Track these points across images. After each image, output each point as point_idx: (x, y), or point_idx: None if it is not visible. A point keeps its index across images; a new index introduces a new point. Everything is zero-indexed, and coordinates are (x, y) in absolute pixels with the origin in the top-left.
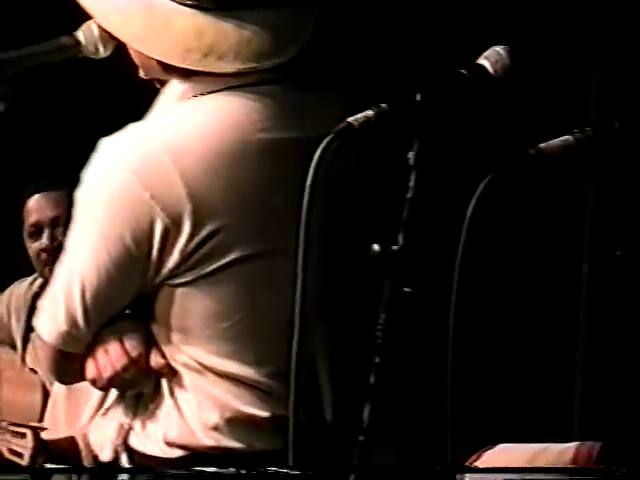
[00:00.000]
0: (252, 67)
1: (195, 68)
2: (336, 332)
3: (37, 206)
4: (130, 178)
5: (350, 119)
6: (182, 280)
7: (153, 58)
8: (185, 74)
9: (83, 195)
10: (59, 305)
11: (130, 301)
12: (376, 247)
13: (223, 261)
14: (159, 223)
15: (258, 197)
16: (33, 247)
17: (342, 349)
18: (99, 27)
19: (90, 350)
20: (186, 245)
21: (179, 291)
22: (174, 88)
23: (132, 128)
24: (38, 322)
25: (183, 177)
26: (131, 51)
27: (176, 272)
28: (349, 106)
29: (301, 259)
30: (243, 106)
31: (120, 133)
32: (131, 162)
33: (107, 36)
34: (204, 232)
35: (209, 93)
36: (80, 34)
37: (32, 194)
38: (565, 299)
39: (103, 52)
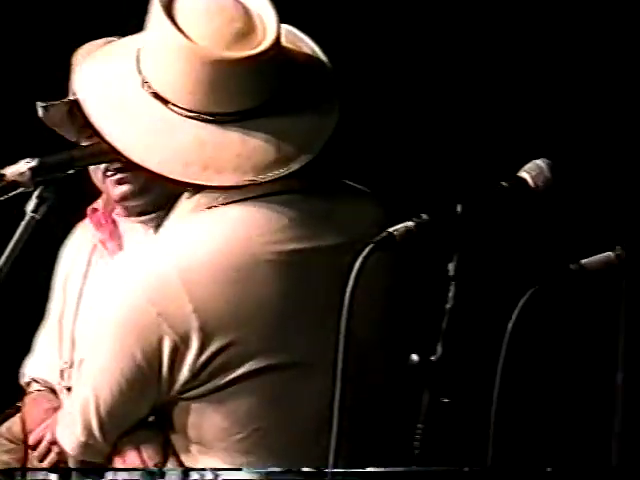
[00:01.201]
0: (251, 180)
1: (195, 182)
2: (371, 443)
3: None
4: (140, 297)
5: (391, 229)
6: (195, 394)
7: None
8: (193, 188)
9: (98, 312)
10: (76, 419)
11: (145, 414)
12: (415, 357)
13: (234, 375)
14: (167, 340)
15: (269, 311)
16: None
17: (378, 460)
18: None
19: (109, 459)
20: (195, 361)
21: (193, 404)
22: (185, 201)
23: (148, 244)
24: (58, 433)
25: (190, 294)
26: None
27: (188, 387)
28: (372, 214)
29: (340, 370)
30: (254, 219)
31: (137, 249)
32: (143, 281)
33: None
34: (213, 347)
35: (223, 205)
36: None
37: None
38: (600, 407)
39: None
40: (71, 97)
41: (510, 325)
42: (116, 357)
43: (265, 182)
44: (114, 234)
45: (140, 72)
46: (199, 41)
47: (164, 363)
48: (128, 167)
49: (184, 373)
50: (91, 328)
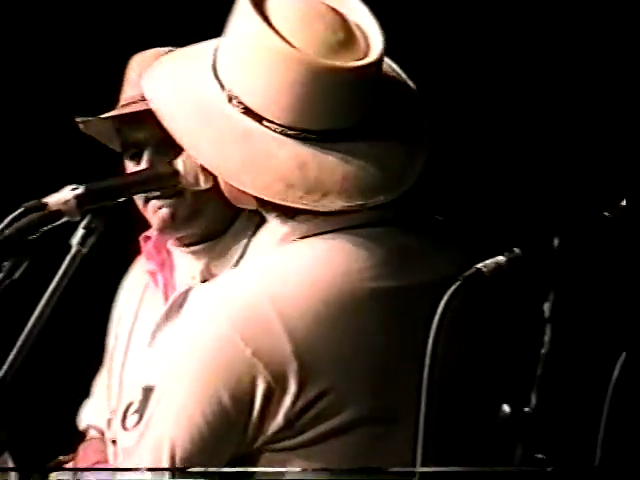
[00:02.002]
0: (358, 205)
1: (297, 206)
2: None
3: None
4: (230, 333)
5: (479, 265)
6: (283, 446)
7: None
8: (286, 212)
9: (177, 348)
10: (148, 458)
11: (222, 465)
12: (506, 408)
13: (327, 427)
14: (262, 382)
15: (367, 354)
16: None
17: None
18: None
19: None
20: (291, 408)
21: (277, 457)
22: (274, 229)
23: (234, 275)
24: None
25: (288, 332)
26: (222, 183)
27: (278, 437)
28: (466, 250)
29: (422, 418)
30: (351, 252)
31: (221, 281)
32: (233, 315)
33: None
34: (311, 394)
35: (314, 235)
36: (179, 162)
37: None
38: None
39: (204, 184)
40: (116, 112)
41: (615, 374)
42: (199, 399)
43: (364, 210)
44: (166, 265)
45: (223, 86)
46: (299, 47)
47: (255, 408)
48: (165, 194)
49: (277, 421)
50: (166, 365)
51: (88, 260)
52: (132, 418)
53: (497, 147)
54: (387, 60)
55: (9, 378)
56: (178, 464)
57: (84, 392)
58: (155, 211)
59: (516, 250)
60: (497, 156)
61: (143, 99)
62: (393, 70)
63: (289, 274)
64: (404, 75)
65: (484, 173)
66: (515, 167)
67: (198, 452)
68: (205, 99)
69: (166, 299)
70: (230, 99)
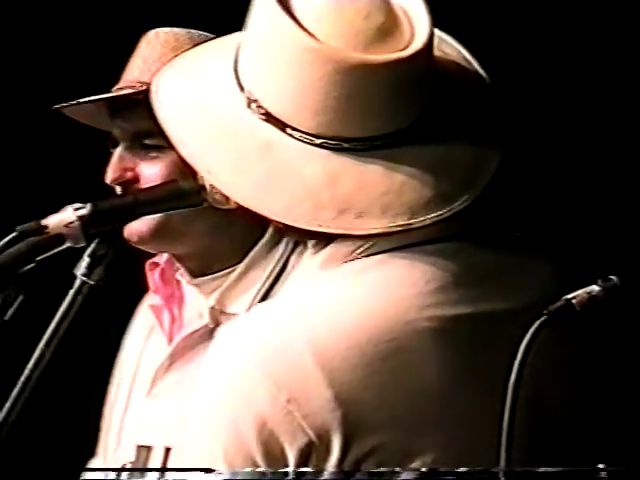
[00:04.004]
0: (404, 225)
1: (327, 230)
2: None
3: None
4: (263, 379)
5: (569, 296)
6: None
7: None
8: (321, 236)
9: (203, 397)
10: None
11: None
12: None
13: None
14: (300, 436)
15: (426, 398)
16: None
17: None
18: None
19: None
20: (338, 468)
21: None
22: (313, 253)
23: (265, 311)
24: None
25: (328, 376)
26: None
27: None
28: (553, 273)
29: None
30: (409, 274)
31: (250, 318)
32: (265, 359)
33: None
34: (357, 451)
35: (365, 257)
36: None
37: None
38: None
39: (234, 202)
40: (96, 96)
41: None
42: (228, 460)
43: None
44: (175, 299)
45: (242, 88)
46: (328, 40)
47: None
48: None
49: None
50: (194, 419)
51: (95, 294)
52: None
53: (589, 151)
54: (446, 37)
55: (3, 435)
56: None
57: (89, 450)
58: None
59: (613, 278)
60: (587, 161)
61: (134, 86)
62: (456, 51)
63: (329, 308)
64: (470, 57)
65: (572, 181)
66: (610, 173)
67: None
68: (220, 105)
69: (170, 341)
70: (249, 104)
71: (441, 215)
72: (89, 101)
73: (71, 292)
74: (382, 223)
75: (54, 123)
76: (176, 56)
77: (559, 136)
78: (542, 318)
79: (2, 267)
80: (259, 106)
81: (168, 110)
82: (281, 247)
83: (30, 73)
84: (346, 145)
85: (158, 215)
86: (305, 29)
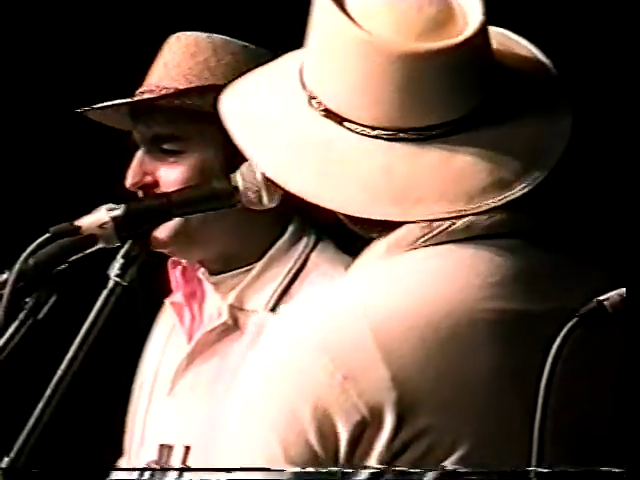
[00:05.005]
0: (460, 211)
1: (386, 218)
2: None
3: None
4: (318, 353)
5: (600, 298)
6: None
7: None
8: (383, 226)
9: (253, 376)
10: None
11: None
12: None
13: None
14: (353, 414)
15: (477, 387)
16: None
17: None
18: None
19: None
20: (388, 447)
21: None
22: (376, 244)
23: (325, 293)
24: None
25: (386, 356)
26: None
27: None
28: (596, 279)
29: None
30: (473, 264)
31: (311, 299)
32: (320, 332)
33: None
34: (410, 431)
35: (426, 245)
36: (238, 177)
37: None
38: None
39: (268, 202)
40: (115, 101)
41: None
42: (279, 436)
43: (479, 214)
44: (196, 297)
45: (305, 86)
46: (380, 33)
47: (341, 449)
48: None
49: (370, 463)
50: (245, 394)
51: (128, 295)
52: None
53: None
54: (509, 34)
55: (36, 435)
56: None
57: (117, 450)
58: None
59: None
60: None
61: (153, 90)
62: (518, 45)
63: (392, 289)
64: (535, 49)
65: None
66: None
67: None
68: (283, 105)
69: (190, 339)
70: (310, 101)
71: (500, 201)
72: (109, 106)
73: (104, 293)
74: (440, 209)
75: (80, 125)
76: (198, 63)
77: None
78: (574, 320)
79: (36, 268)
80: (319, 102)
81: (230, 108)
82: (301, 245)
83: (54, 75)
84: (403, 135)
85: (176, 220)
86: (358, 24)
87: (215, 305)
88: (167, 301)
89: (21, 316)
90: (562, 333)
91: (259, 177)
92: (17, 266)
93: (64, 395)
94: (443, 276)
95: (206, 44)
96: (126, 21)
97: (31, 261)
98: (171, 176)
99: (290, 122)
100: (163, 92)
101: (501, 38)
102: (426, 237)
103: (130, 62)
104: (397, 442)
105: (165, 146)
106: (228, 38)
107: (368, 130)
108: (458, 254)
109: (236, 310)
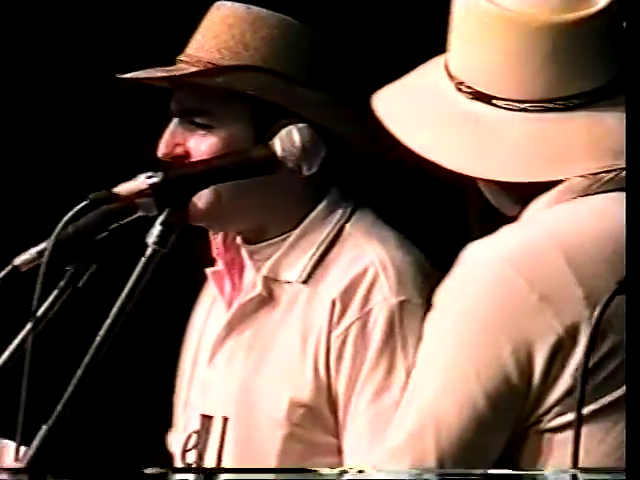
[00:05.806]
0: (610, 166)
1: (538, 179)
2: None
3: None
4: (513, 276)
5: None
6: (559, 422)
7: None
8: (537, 188)
9: (441, 306)
10: (402, 456)
11: (498, 453)
12: None
13: (613, 396)
14: (551, 335)
15: None
16: None
17: None
18: (302, 132)
19: None
20: (581, 366)
21: (545, 437)
22: (535, 203)
23: (513, 228)
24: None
25: (578, 276)
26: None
27: (557, 410)
28: None
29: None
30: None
31: (500, 233)
32: (515, 258)
33: (317, 146)
34: (604, 348)
35: (585, 196)
36: (277, 142)
37: None
38: None
39: (306, 170)
40: (152, 72)
41: None
42: (473, 366)
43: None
44: (235, 265)
45: (451, 76)
46: (518, 8)
47: (536, 370)
48: None
49: (562, 384)
50: (432, 327)
51: (166, 263)
52: (191, 454)
53: None
54: None
55: (75, 400)
56: (445, 448)
57: (167, 422)
58: None
59: None
60: None
61: (189, 62)
62: None
63: (576, 221)
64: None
65: None
66: None
67: (472, 432)
68: (437, 98)
69: (229, 307)
70: (459, 87)
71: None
72: (145, 78)
73: (143, 260)
74: (590, 166)
75: (122, 92)
76: (234, 36)
77: None
78: (613, 288)
79: (76, 235)
80: (467, 86)
81: (384, 105)
82: (337, 216)
83: (95, 41)
84: (549, 105)
85: (208, 192)
86: (497, 4)
87: (252, 275)
88: (208, 271)
89: (61, 284)
90: (597, 309)
91: (298, 142)
92: (55, 234)
93: (104, 364)
94: (614, 213)
95: (243, 14)
96: None
97: (70, 229)
98: (201, 148)
99: (443, 108)
100: (193, 69)
101: None
102: (588, 187)
103: (178, 24)
104: (591, 361)
105: (196, 119)
106: (266, 10)
107: (517, 104)
108: (617, 199)
109: (270, 281)
